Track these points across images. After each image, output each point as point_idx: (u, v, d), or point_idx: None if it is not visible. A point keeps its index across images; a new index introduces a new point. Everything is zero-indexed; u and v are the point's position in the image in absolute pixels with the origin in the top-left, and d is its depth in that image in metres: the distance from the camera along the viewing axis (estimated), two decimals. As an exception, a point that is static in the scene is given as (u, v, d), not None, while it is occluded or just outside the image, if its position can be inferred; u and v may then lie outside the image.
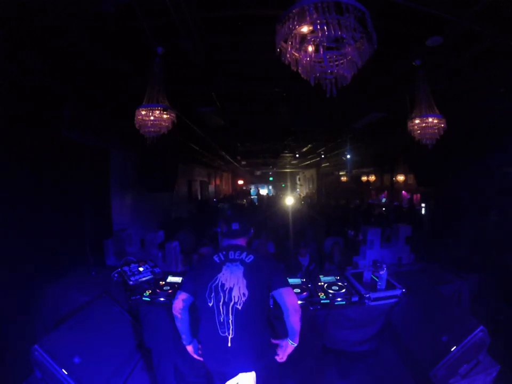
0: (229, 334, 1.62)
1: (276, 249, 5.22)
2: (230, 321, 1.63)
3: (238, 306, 1.64)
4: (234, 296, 1.65)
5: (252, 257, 1.78)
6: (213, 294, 1.68)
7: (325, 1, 1.32)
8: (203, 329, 1.75)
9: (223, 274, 1.72)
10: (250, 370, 1.63)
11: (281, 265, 1.90)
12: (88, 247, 3.81)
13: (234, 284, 1.68)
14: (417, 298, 2.44)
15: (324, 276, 2.82)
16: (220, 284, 1.69)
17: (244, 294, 1.65)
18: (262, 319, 1.72)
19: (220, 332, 1.64)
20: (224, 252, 1.83)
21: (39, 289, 2.83)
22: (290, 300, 1.69)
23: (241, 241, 1.94)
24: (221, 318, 1.64)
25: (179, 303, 1.77)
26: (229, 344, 1.62)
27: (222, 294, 1.67)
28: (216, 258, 1.81)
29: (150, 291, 2.53)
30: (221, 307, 1.65)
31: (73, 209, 3.76)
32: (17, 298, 2.78)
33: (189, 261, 4.23)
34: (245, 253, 1.81)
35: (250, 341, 1.65)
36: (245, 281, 1.68)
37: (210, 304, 1.67)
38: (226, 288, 1.67)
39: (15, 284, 2.76)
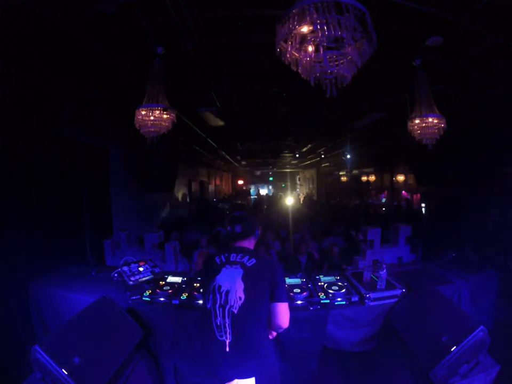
0: (226, 338, 1.58)
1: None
2: (226, 324, 1.59)
3: (233, 310, 1.60)
4: (230, 299, 1.61)
5: (254, 261, 1.74)
6: (210, 295, 1.66)
7: (325, 1, 1.32)
8: (202, 332, 1.72)
9: (221, 276, 1.69)
10: (250, 376, 1.58)
11: (283, 270, 1.85)
12: (88, 247, 3.82)
13: (231, 286, 1.64)
14: (417, 298, 2.43)
15: (324, 276, 2.81)
16: (217, 286, 1.66)
17: (240, 298, 1.62)
18: (260, 323, 1.67)
19: (217, 335, 1.60)
20: (226, 254, 1.79)
21: (39, 289, 2.83)
22: (282, 316, 1.70)
23: (246, 243, 1.88)
24: (218, 321, 1.61)
25: None
26: (227, 349, 1.58)
27: (218, 296, 1.63)
28: (217, 259, 1.78)
29: (150, 291, 2.52)
30: (217, 309, 1.62)
31: (73, 209, 3.77)
32: (16, 298, 2.78)
33: (190, 260, 4.25)
34: (247, 256, 1.76)
35: (249, 346, 1.61)
36: (242, 284, 1.65)
37: (208, 306, 1.65)
38: (223, 290, 1.64)
39: (14, 284, 2.76)
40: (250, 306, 1.63)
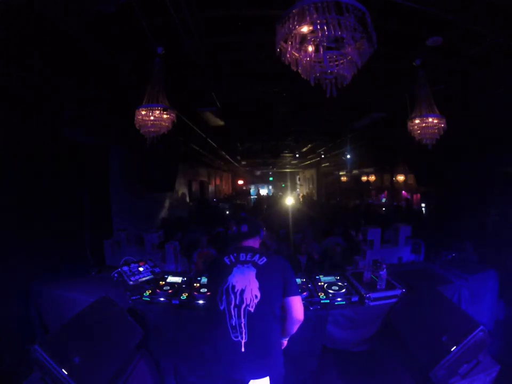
0: (242, 338, 1.56)
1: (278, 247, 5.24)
2: (242, 324, 1.57)
3: (250, 308, 1.58)
4: (246, 298, 1.60)
5: (265, 259, 1.74)
6: (224, 296, 1.63)
7: (325, 1, 1.32)
8: (214, 334, 1.69)
9: (234, 276, 1.67)
10: (264, 376, 1.57)
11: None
12: (88, 247, 3.81)
13: (246, 285, 1.63)
14: (417, 298, 2.44)
15: (324, 276, 2.81)
16: (230, 286, 1.64)
17: (256, 296, 1.60)
18: (275, 321, 1.67)
19: (232, 336, 1.57)
20: (235, 254, 1.78)
21: (39, 289, 2.83)
22: (297, 309, 1.70)
23: (252, 243, 1.89)
24: (233, 322, 1.58)
25: None
26: (243, 349, 1.55)
27: (233, 296, 1.61)
28: (227, 260, 1.76)
29: (150, 291, 2.53)
30: (232, 310, 1.60)
31: (73, 209, 3.76)
32: (17, 298, 2.78)
33: (190, 260, 4.25)
34: (257, 255, 1.76)
35: (264, 345, 1.60)
36: (257, 283, 1.63)
37: (222, 308, 1.62)
38: (238, 290, 1.62)
39: (14, 284, 2.76)
40: (267, 304, 1.62)
